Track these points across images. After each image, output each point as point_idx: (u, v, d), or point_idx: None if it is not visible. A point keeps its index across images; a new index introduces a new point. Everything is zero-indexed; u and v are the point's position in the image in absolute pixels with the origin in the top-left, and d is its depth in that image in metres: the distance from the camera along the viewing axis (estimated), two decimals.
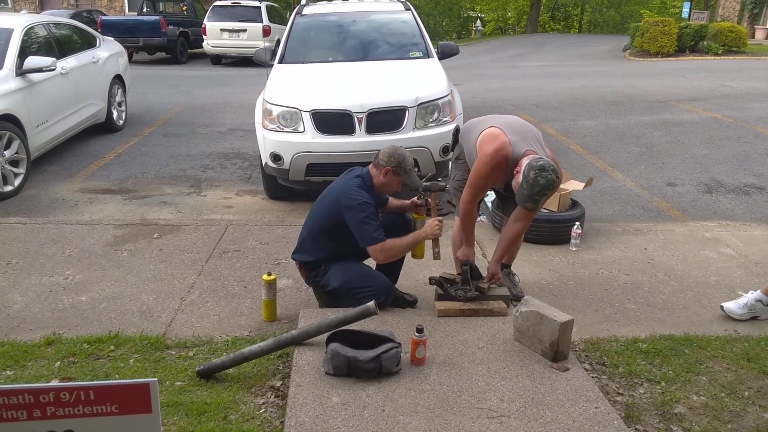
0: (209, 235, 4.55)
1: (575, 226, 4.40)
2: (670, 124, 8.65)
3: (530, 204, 2.99)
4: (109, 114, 7.94)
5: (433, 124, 5.02)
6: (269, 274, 3.28)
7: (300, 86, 5.31)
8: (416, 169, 3.18)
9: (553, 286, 3.83)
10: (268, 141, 4.98)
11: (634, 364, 2.97)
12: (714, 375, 2.91)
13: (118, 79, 8.28)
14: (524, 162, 3.00)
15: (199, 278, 3.86)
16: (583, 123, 8.73)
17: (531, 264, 4.12)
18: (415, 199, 3.33)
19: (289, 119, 4.94)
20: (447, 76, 5.50)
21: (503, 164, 3.12)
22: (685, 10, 22.57)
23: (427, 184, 3.27)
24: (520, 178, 2.99)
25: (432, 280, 3.20)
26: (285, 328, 3.24)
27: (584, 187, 4.71)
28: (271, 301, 3.30)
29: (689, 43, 17.75)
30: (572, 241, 4.41)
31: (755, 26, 23.32)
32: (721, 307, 3.47)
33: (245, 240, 4.46)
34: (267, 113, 5.05)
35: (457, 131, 3.44)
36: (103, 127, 7.89)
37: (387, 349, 2.47)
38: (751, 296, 3.42)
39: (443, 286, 3.19)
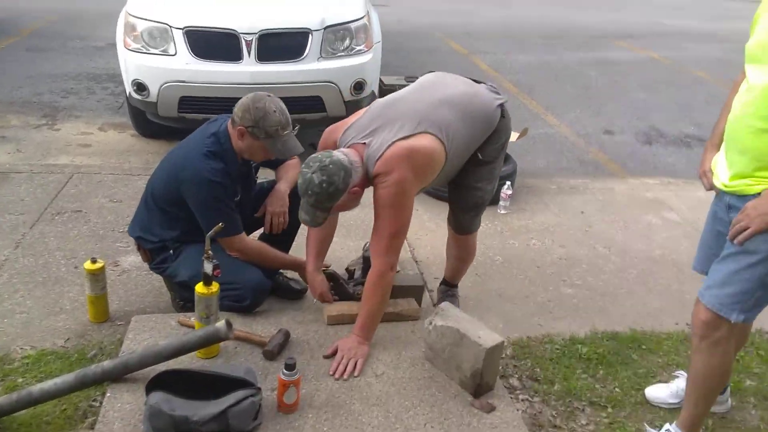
0: (45, 187, 3.51)
1: (505, 186, 3.69)
2: (607, 63, 8.06)
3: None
4: None
5: (343, 54, 4.06)
6: (93, 261, 2.37)
7: None
8: (294, 130, 2.27)
9: (477, 263, 3.11)
10: (131, 65, 3.88)
11: (574, 378, 2.35)
12: None
13: None
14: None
15: (15, 252, 2.88)
16: (516, 57, 7.97)
17: None
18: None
19: (157, 38, 3.84)
20: None
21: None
22: None
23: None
24: None
25: (325, 274, 2.40)
26: (119, 332, 2.38)
27: (518, 138, 3.97)
28: (98, 296, 2.41)
29: None
30: (501, 203, 3.72)
31: None
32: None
33: (92, 195, 3.46)
34: (129, 29, 3.91)
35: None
36: None
37: (238, 401, 1.67)
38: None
39: (338, 281, 2.40)
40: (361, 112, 2.21)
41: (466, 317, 2.06)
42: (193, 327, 2.12)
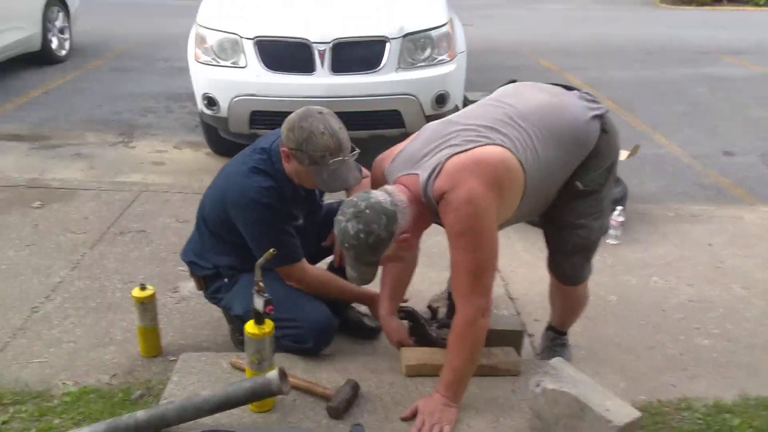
0: (111, 205, 3.34)
1: (616, 212, 3.16)
2: (716, 79, 7.27)
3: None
4: (47, 42, 6.69)
5: (423, 64, 3.70)
6: (143, 288, 2.08)
7: (243, 5, 3.95)
8: (352, 155, 1.84)
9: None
10: (200, 79, 3.70)
11: None
12: None
13: (58, 1, 6.94)
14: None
15: (71, 274, 2.67)
16: (613, 73, 7.35)
17: None
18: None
19: (227, 49, 3.63)
20: (446, 1, 4.14)
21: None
22: None
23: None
24: None
25: (402, 312, 1.98)
26: (170, 369, 2.06)
27: (628, 157, 3.43)
28: (149, 328, 2.11)
29: None
30: (611, 231, 3.18)
31: None
32: None
33: (157, 215, 3.25)
34: (200, 41, 3.74)
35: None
36: (41, 58, 6.63)
37: None
38: None
39: (419, 322, 1.97)
40: (412, 136, 1.79)
41: (585, 380, 1.58)
42: (245, 371, 1.77)
